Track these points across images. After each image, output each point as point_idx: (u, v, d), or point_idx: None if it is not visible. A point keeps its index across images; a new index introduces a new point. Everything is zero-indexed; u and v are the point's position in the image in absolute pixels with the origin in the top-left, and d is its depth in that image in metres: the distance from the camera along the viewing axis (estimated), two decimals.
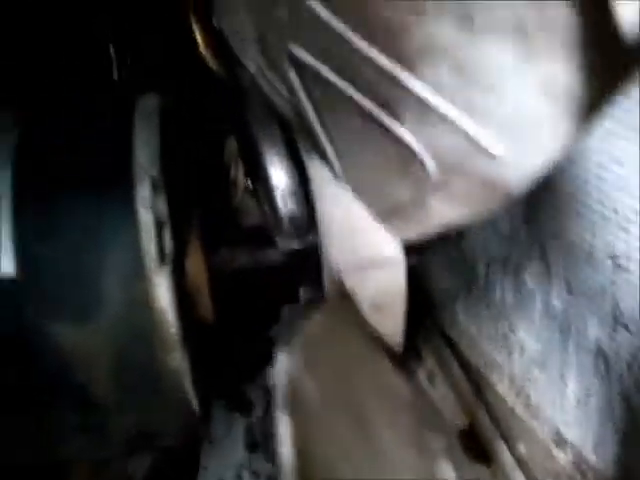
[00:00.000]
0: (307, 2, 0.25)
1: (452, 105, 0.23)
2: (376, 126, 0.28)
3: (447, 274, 0.66)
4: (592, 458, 0.45)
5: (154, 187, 0.35)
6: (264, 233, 0.43)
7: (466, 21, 0.19)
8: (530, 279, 0.50)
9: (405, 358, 0.38)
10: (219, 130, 0.53)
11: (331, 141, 0.33)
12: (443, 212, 0.29)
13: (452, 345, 0.65)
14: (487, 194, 0.26)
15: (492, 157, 0.24)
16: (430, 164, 0.27)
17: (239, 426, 0.65)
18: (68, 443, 0.39)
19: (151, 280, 0.34)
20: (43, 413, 0.37)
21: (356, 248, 0.35)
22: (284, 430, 0.22)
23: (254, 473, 0.60)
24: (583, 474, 0.46)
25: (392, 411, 0.30)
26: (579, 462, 0.46)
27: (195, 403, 0.37)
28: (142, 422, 0.38)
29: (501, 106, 0.22)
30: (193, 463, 0.61)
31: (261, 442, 0.62)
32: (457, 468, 0.31)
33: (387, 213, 0.33)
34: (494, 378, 0.58)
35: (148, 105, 0.38)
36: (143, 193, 0.35)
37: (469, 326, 0.62)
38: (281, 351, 0.25)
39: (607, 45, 0.17)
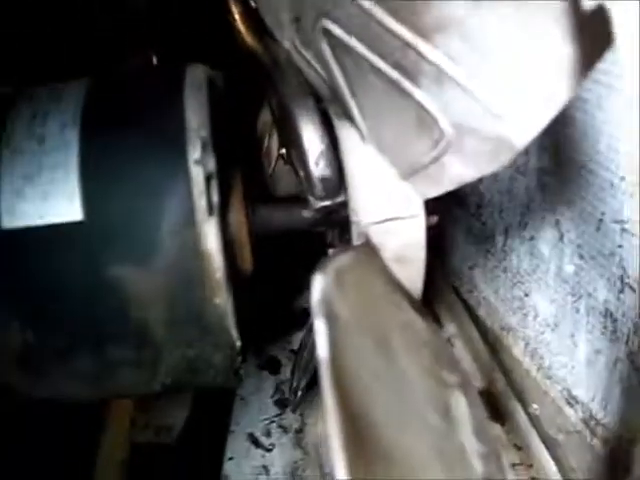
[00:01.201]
0: None
1: (462, 71, 0.27)
2: (397, 91, 0.31)
3: (467, 242, 0.68)
4: (600, 415, 0.47)
5: (204, 146, 0.39)
6: (297, 199, 0.46)
7: None
8: (544, 245, 0.52)
9: (424, 304, 0.41)
10: (253, 103, 0.57)
11: (359, 106, 0.36)
12: (457, 169, 0.32)
13: (471, 310, 0.68)
14: (495, 150, 0.29)
15: (498, 117, 0.27)
16: (445, 125, 0.30)
17: (268, 384, 0.69)
18: (122, 378, 0.42)
19: (201, 228, 0.38)
20: (102, 349, 0.40)
21: (380, 204, 0.39)
22: (322, 336, 0.25)
23: (282, 428, 0.64)
24: (592, 430, 0.48)
25: (413, 345, 0.33)
26: (588, 419, 0.48)
27: (237, 341, 0.41)
28: (190, 357, 0.41)
29: (504, 69, 0.25)
30: (226, 418, 0.65)
31: (289, 399, 0.66)
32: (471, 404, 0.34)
33: (408, 171, 0.36)
34: (510, 341, 0.61)
35: (196, 76, 0.42)
36: (195, 151, 0.39)
37: (487, 291, 0.65)
38: (317, 274, 0.28)
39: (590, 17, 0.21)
